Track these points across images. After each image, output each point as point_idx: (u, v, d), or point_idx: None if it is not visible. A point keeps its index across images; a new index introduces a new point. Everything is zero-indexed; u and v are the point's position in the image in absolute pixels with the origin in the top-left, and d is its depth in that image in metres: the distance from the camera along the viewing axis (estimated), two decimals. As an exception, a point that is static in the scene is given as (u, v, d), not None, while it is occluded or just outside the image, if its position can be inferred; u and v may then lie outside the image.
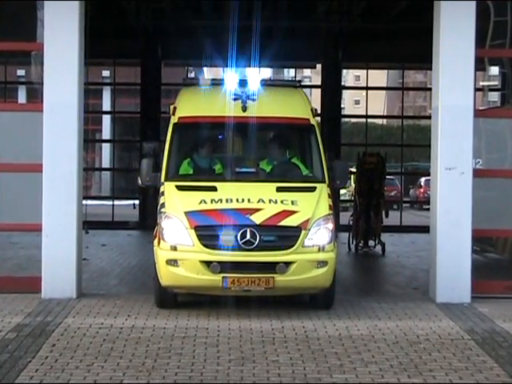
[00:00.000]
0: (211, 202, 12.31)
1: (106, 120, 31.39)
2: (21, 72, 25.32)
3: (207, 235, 12.06)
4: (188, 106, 13.70)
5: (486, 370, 9.77)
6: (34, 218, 12.85)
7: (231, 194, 12.49)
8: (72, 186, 12.98)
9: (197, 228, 12.02)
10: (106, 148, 30.78)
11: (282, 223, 12.23)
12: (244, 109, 13.32)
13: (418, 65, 29.43)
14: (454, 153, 13.16)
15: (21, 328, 11.19)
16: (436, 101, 13.48)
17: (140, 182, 13.44)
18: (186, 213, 12.14)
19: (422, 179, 41.67)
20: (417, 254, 15.86)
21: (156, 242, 12.43)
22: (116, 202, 24.38)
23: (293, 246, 12.10)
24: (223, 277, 11.85)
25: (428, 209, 15.53)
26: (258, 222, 12.08)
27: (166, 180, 12.86)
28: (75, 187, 13.00)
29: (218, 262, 11.88)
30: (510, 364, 10.02)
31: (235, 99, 13.40)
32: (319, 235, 12.29)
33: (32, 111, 13.32)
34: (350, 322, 11.74)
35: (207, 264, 11.89)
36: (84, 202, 13.83)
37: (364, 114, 31.42)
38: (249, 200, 12.34)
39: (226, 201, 12.33)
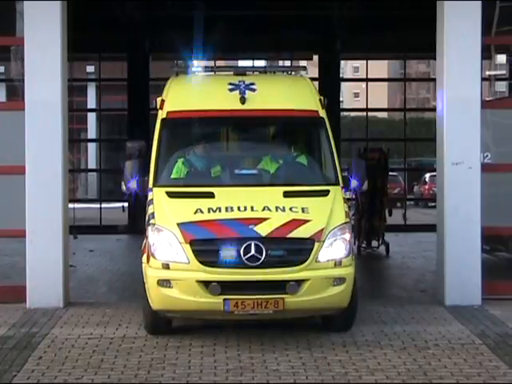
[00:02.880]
0: (208, 211, 11.05)
1: (92, 118, 31.40)
2: (0, 68, 25.34)
3: (205, 251, 10.78)
4: (178, 99, 12.51)
5: (499, 376, 9.80)
6: (18, 223, 12.85)
7: (231, 201, 11.22)
8: (57, 188, 12.99)
9: (192, 242, 10.75)
10: (92, 148, 30.78)
11: (292, 235, 10.89)
12: (243, 101, 12.08)
13: (420, 54, 29.47)
14: (460, 147, 13.18)
15: (5, 340, 11.18)
16: (441, 92, 13.50)
17: (123, 187, 12.24)
18: (180, 224, 10.89)
19: (427, 175, 41.80)
20: (423, 254, 15.89)
21: (145, 258, 11.26)
22: (104, 205, 24.41)
23: (305, 261, 10.78)
24: (224, 299, 10.57)
25: (434, 206, 15.60)
26: (263, 234, 10.76)
27: (154, 185, 11.72)
28: (60, 190, 13.02)
29: (218, 282, 10.58)
30: (524, 369, 10.08)
31: (232, 90, 12.23)
32: (335, 248, 10.99)
33: (13, 110, 13.33)
34: (355, 327, 11.61)
35: (205, 284, 10.62)
36: (70, 205, 13.82)
37: (364, 107, 31.51)
38: (252, 208, 11.08)
39: (226, 209, 11.06)
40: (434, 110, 14.74)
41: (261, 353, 10.46)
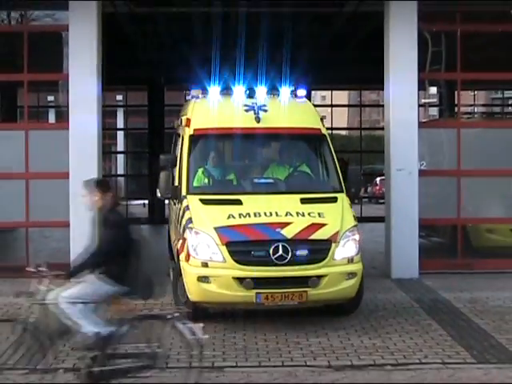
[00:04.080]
0: (239, 216, 10.30)
1: (120, 135, 31.33)
2: (50, 97, 25.29)
3: (239, 251, 10.05)
4: (203, 118, 11.66)
5: (431, 332, 9.89)
6: (63, 216, 12.86)
7: (257, 207, 10.48)
8: (93, 189, 12.97)
9: (228, 244, 10.02)
10: (121, 158, 30.69)
11: (313, 237, 10.24)
12: (258, 120, 11.36)
13: (372, 86, 29.38)
14: (402, 157, 13.23)
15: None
16: (387, 115, 13.55)
17: (159, 194, 11.41)
18: (216, 228, 10.13)
19: (378, 179, 41.51)
20: (375, 239, 15.85)
21: (183, 257, 10.40)
22: (129, 202, 24.37)
23: (324, 259, 10.13)
24: (257, 293, 9.88)
25: (383, 203, 15.61)
26: (289, 237, 10.08)
27: (188, 193, 10.90)
28: (96, 190, 12.99)
29: (251, 278, 9.89)
30: (449, 326, 10.15)
31: (247, 110, 11.47)
32: (348, 247, 10.37)
33: (60, 129, 13.31)
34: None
35: (240, 280, 9.90)
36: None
37: (330, 126, 31.49)
38: (276, 213, 10.36)
39: (255, 215, 10.33)
40: (382, 129, 14.75)
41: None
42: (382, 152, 13.75)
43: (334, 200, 10.93)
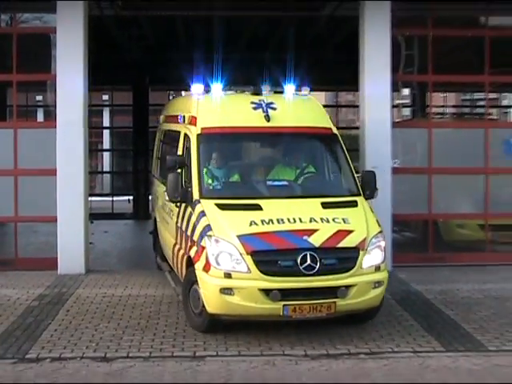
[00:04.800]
0: (262, 223, 9.17)
1: (106, 134, 31.21)
2: (39, 97, 25.15)
3: (265, 261, 8.90)
4: (209, 116, 10.55)
5: (403, 322, 9.96)
6: (51, 211, 12.81)
7: (279, 213, 9.37)
8: (80, 185, 12.93)
9: (253, 253, 8.87)
10: (106, 156, 30.62)
11: (341, 244, 9.19)
12: (267, 118, 10.30)
13: (348, 87, 29.36)
14: (377, 155, 13.21)
15: (42, 297, 11.20)
16: (363, 115, 13.58)
17: (167, 197, 10.17)
18: (239, 237, 8.99)
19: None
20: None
21: (200, 266, 9.17)
22: (114, 198, 24.29)
23: (352, 267, 9.10)
24: (284, 305, 8.80)
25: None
26: (317, 245, 9.00)
27: (201, 197, 9.71)
28: (82, 186, 12.96)
29: (278, 290, 8.79)
30: (421, 316, 10.20)
31: (255, 108, 10.43)
32: (374, 255, 9.37)
33: (48, 128, 13.25)
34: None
35: (266, 292, 8.79)
36: (89, 198, 13.80)
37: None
38: (300, 220, 9.27)
39: (278, 221, 9.20)
40: (358, 128, 14.77)
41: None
42: (357, 150, 13.78)
43: (355, 204, 9.96)
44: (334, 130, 10.81)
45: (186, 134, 10.74)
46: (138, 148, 23.15)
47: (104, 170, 30.18)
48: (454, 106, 31.42)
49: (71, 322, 9.90)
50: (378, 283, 9.31)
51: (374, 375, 8.06)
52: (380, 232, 9.63)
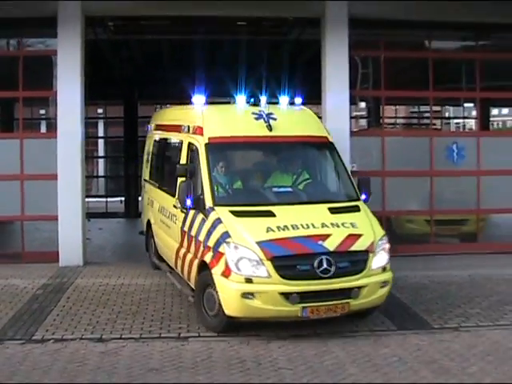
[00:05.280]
0: (278, 229, 8.62)
1: (101, 143, 31.08)
2: (42, 111, 24.98)
3: (285, 266, 8.37)
4: (215, 126, 9.89)
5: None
6: (52, 211, 12.74)
7: (292, 219, 8.83)
8: (77, 188, 12.89)
9: (273, 259, 8.32)
10: (101, 162, 30.49)
11: (353, 248, 8.76)
12: (269, 128, 9.74)
13: (313, 101, 29.50)
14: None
15: (46, 286, 11.16)
16: (325, 125, 13.56)
17: (179, 205, 9.59)
18: (259, 243, 8.43)
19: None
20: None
21: (218, 271, 8.54)
22: (108, 199, 24.19)
23: (363, 269, 8.69)
24: (303, 307, 8.35)
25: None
26: (331, 249, 8.55)
27: (215, 204, 9.05)
28: (80, 189, 12.92)
29: (298, 293, 8.33)
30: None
31: (257, 118, 9.87)
32: (381, 257, 8.97)
33: (49, 138, 13.16)
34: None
35: (286, 295, 8.31)
36: (86, 199, 13.75)
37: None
38: (313, 225, 8.76)
39: (293, 227, 8.67)
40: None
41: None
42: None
43: (358, 209, 9.48)
44: (330, 139, 10.31)
45: (190, 143, 10.08)
46: (129, 155, 23.09)
47: (99, 174, 30.04)
48: (403, 118, 31.58)
49: (71, 307, 9.88)
50: (384, 283, 8.93)
51: (337, 353, 8.10)
52: (384, 235, 9.20)
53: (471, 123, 29.27)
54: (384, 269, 8.99)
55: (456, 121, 32.41)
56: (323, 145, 10.28)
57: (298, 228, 8.70)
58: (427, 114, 24.00)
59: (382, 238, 9.09)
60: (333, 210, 9.18)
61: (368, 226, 9.13)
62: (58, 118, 12.89)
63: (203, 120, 9.91)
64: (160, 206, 11.51)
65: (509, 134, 17.68)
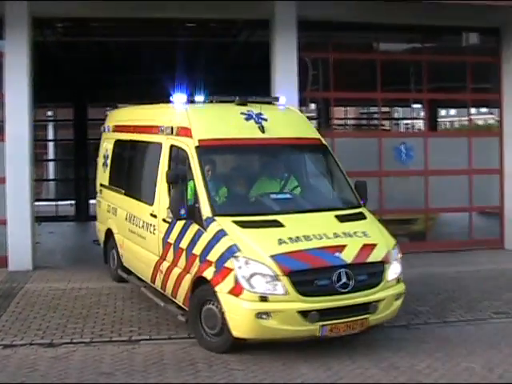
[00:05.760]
0: (290, 241, 7.81)
1: (51, 146, 30.72)
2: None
3: (303, 281, 7.60)
4: (204, 128, 8.89)
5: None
6: (1, 214, 12.57)
7: (301, 229, 8.05)
8: (26, 192, 12.73)
9: (291, 274, 7.53)
10: (51, 165, 30.13)
11: (370, 259, 8.06)
12: (262, 130, 8.93)
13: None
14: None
15: (-6, 292, 10.98)
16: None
17: (172, 215, 8.50)
18: (273, 257, 7.60)
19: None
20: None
21: (224, 288, 7.71)
22: (59, 203, 23.92)
23: (380, 282, 8.03)
24: (322, 325, 7.62)
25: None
26: (348, 261, 7.83)
27: (214, 214, 8.14)
28: (28, 193, 12.76)
29: (317, 311, 7.59)
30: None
31: (247, 119, 9.04)
32: (395, 267, 8.30)
33: (-2, 141, 13.03)
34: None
35: (304, 314, 7.56)
36: (36, 203, 13.59)
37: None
38: (326, 235, 8.01)
39: (305, 238, 7.89)
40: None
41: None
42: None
43: (363, 216, 8.81)
44: (323, 141, 9.62)
45: (173, 146, 9.18)
46: (79, 158, 22.92)
47: (49, 177, 29.68)
48: (353, 119, 31.88)
49: (21, 312, 9.75)
50: (399, 295, 8.34)
51: (288, 351, 8.13)
52: (396, 244, 8.57)
53: (420, 124, 29.71)
54: (398, 280, 8.37)
55: (405, 122, 32.84)
56: (318, 147, 9.56)
57: (310, 239, 7.92)
58: (377, 115, 24.27)
59: (394, 247, 8.47)
60: (341, 218, 8.49)
61: (379, 235, 8.51)
62: (6, 120, 12.72)
63: (189, 120, 8.93)
64: (128, 214, 10.58)
65: (456, 134, 17.97)
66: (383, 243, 8.35)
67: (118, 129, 11.90)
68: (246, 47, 16.85)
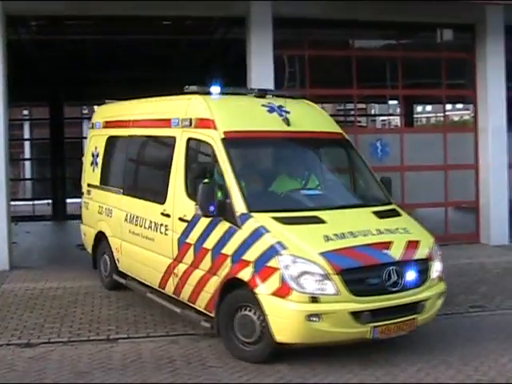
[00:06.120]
0: (336, 237, 7.35)
1: (27, 145, 30.56)
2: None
3: (355, 280, 7.16)
4: (229, 119, 8.34)
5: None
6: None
7: (344, 225, 7.61)
8: (2, 191, 12.58)
9: (342, 272, 7.07)
10: (27, 164, 29.98)
11: (417, 256, 7.69)
12: (287, 122, 8.48)
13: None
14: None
15: (-30, 292, 10.89)
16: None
17: (200, 211, 7.77)
18: (323, 254, 7.13)
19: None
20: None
21: (266, 290, 7.17)
22: (35, 202, 23.81)
23: (426, 280, 7.68)
24: (373, 327, 7.18)
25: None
26: (397, 258, 7.44)
27: (250, 210, 7.56)
28: (4, 192, 12.63)
29: (370, 311, 7.17)
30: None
31: (270, 111, 8.59)
32: (437, 264, 7.94)
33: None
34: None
35: (356, 314, 7.11)
36: (12, 202, 13.49)
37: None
38: (370, 232, 7.62)
39: (351, 235, 7.46)
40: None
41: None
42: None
43: (398, 213, 8.44)
44: (346, 136, 9.22)
45: (191, 139, 8.56)
46: (55, 157, 22.80)
47: (25, 177, 29.54)
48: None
49: (-3, 313, 9.68)
50: (441, 294, 7.98)
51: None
52: (434, 240, 8.18)
53: (397, 120, 29.89)
54: (440, 278, 8.03)
55: (382, 118, 33.01)
56: (342, 142, 9.13)
57: (356, 236, 7.50)
58: (353, 112, 24.38)
59: (436, 244, 8.13)
60: (379, 215, 8.11)
61: (419, 231, 8.16)
62: (-19, 120, 12.61)
63: (211, 111, 8.29)
64: (129, 214, 9.84)
65: (432, 130, 18.11)
66: (426, 240, 8.03)
67: (112, 124, 11.08)
68: (223, 45, 16.87)
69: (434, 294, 7.80)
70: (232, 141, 8.06)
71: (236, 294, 7.59)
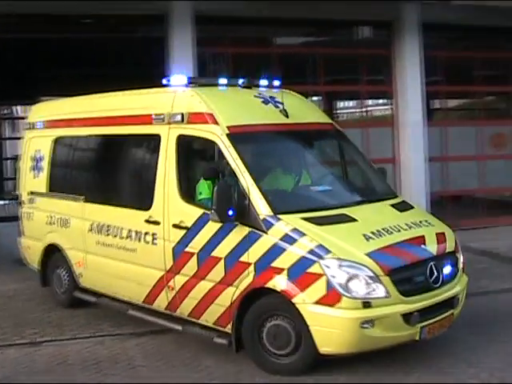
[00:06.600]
0: (374, 235, 6.91)
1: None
2: None
3: (402, 280, 6.73)
4: (228, 113, 7.61)
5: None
6: None
7: (375, 222, 7.24)
8: None
9: (391, 273, 6.61)
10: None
11: (448, 249, 7.40)
12: (285, 114, 7.88)
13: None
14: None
15: None
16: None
17: (217, 217, 6.97)
18: (369, 254, 6.64)
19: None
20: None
21: (311, 298, 6.57)
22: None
23: (457, 273, 7.42)
24: (421, 327, 6.79)
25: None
26: (435, 253, 7.13)
27: (276, 212, 6.90)
28: None
29: (419, 311, 6.76)
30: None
31: (264, 102, 8.00)
32: (461, 256, 7.67)
33: None
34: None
35: (406, 316, 6.67)
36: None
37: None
38: (401, 227, 7.23)
39: (387, 232, 7.04)
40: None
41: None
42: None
43: (410, 204, 8.11)
44: (338, 126, 8.79)
45: (183, 136, 7.75)
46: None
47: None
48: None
49: None
50: (465, 288, 7.63)
51: (191, 347, 8.17)
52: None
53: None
54: (463, 271, 7.71)
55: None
56: (337, 133, 8.69)
57: (391, 232, 7.09)
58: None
59: (456, 237, 7.82)
60: (398, 208, 7.78)
61: (439, 223, 7.84)
62: None
63: (207, 105, 7.56)
64: (96, 224, 8.83)
65: (353, 125, 18.33)
66: (448, 231, 7.70)
67: (60, 124, 9.91)
68: (145, 43, 16.74)
69: (464, 287, 7.55)
70: (238, 136, 7.36)
71: (263, 304, 6.98)
